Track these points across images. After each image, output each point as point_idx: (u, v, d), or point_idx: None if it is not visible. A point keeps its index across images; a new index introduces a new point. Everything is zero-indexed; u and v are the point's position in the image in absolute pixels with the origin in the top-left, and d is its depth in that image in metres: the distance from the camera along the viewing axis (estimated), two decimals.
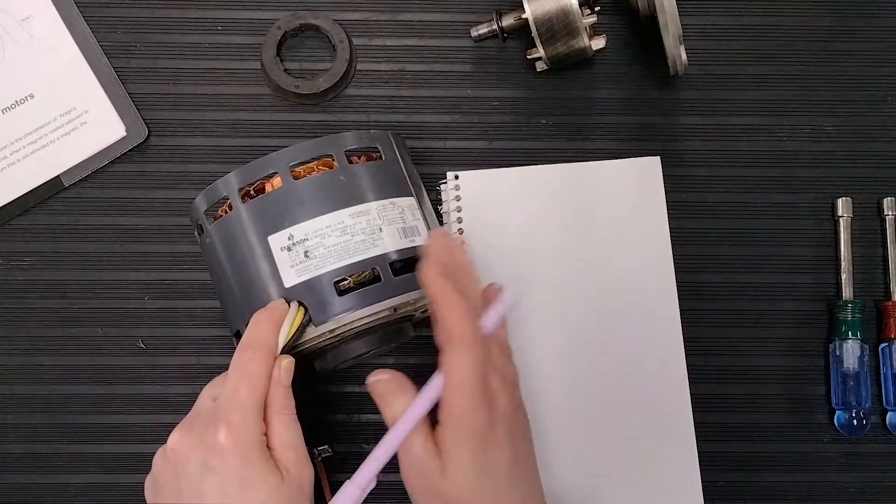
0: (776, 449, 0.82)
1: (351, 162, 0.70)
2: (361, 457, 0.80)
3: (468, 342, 0.63)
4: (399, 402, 0.65)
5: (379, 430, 0.81)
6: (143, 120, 0.85)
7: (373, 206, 0.69)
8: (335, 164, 0.69)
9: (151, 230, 0.84)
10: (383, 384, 0.66)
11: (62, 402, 0.82)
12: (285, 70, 0.85)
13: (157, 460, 0.66)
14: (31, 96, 0.85)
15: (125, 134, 0.85)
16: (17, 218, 0.84)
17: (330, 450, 0.78)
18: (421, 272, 0.65)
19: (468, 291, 0.65)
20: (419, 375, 0.81)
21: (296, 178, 0.69)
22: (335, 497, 0.63)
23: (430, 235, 0.68)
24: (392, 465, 0.80)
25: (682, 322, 0.82)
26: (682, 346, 0.81)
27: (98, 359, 0.83)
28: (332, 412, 0.82)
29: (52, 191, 0.84)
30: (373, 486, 0.65)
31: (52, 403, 0.82)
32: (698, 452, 0.79)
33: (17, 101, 0.85)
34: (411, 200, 0.72)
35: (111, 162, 0.85)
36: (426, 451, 0.63)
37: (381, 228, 0.68)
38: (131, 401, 0.82)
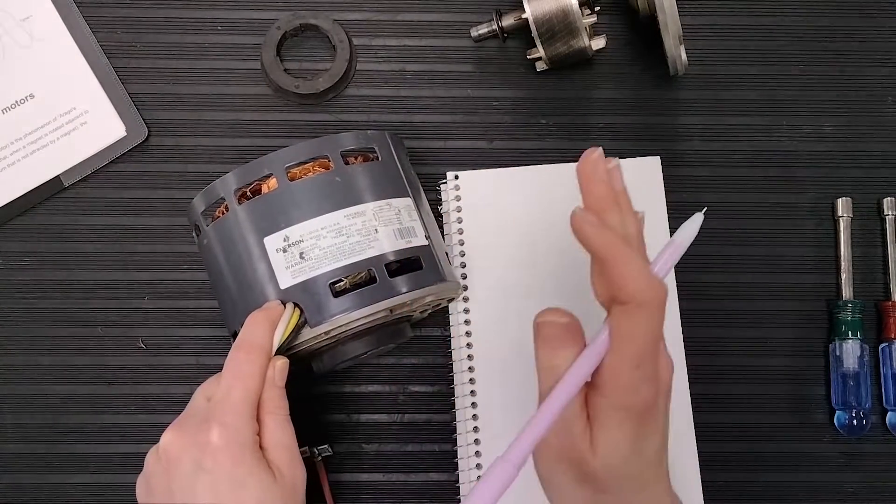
0: (776, 449, 0.82)
1: (348, 163, 0.70)
2: (361, 457, 0.80)
3: (648, 306, 0.54)
4: (565, 354, 0.57)
5: (378, 430, 0.81)
6: (143, 120, 0.85)
7: (369, 207, 0.69)
8: (331, 165, 0.69)
9: (151, 230, 0.84)
10: (553, 327, 0.58)
11: (62, 402, 0.82)
12: (285, 70, 0.85)
13: (150, 460, 0.66)
14: (31, 96, 0.85)
15: (125, 134, 0.85)
16: (17, 218, 0.84)
17: (330, 449, 0.78)
18: (577, 224, 0.57)
19: (633, 233, 0.58)
20: (419, 375, 0.81)
21: (292, 179, 0.69)
22: (484, 476, 0.53)
23: (583, 162, 0.59)
24: (393, 466, 0.80)
25: (682, 322, 0.81)
26: (683, 346, 0.81)
27: (98, 359, 0.83)
28: (331, 412, 0.82)
29: (52, 191, 0.84)
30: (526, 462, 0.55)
31: (52, 403, 0.82)
32: (698, 452, 0.79)
33: (17, 101, 0.85)
34: (408, 201, 0.72)
35: (111, 162, 0.85)
36: (578, 418, 0.57)
37: (377, 229, 0.68)
38: (131, 401, 0.82)
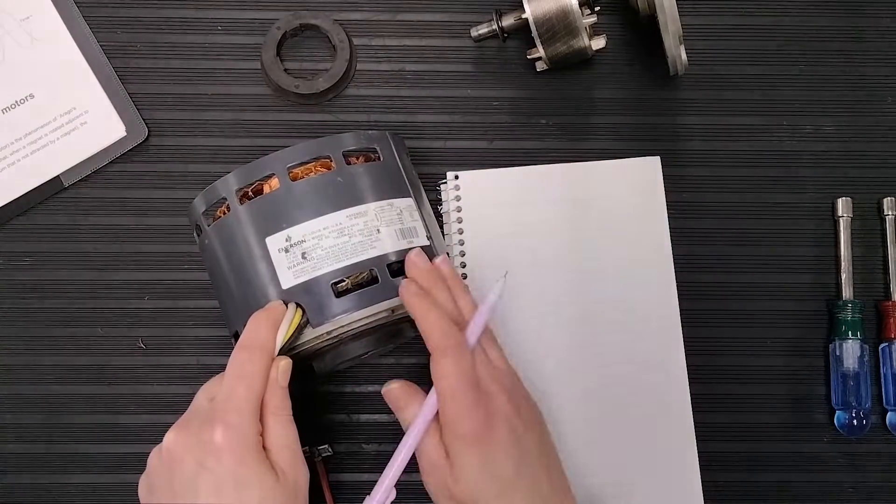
0: (776, 449, 0.82)
1: (349, 163, 0.70)
2: (361, 457, 0.81)
3: (449, 351, 0.65)
4: (411, 409, 0.68)
5: (378, 430, 0.82)
6: (143, 120, 0.85)
7: (371, 208, 0.69)
8: (333, 165, 0.69)
9: (151, 230, 0.84)
10: (395, 391, 0.70)
11: (62, 402, 0.82)
12: (285, 70, 0.85)
13: (152, 460, 0.66)
14: (31, 96, 0.85)
15: (125, 134, 0.85)
16: (17, 218, 0.84)
17: (330, 449, 0.78)
18: (400, 292, 0.68)
19: (447, 304, 0.69)
20: (419, 375, 0.81)
21: (294, 179, 0.69)
22: None
23: (406, 259, 0.69)
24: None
25: (682, 322, 0.82)
26: (682, 346, 0.81)
27: (98, 359, 0.83)
28: (332, 412, 0.82)
29: (52, 191, 0.84)
30: (392, 497, 0.67)
31: (52, 403, 0.82)
32: (698, 452, 0.79)
33: (17, 101, 0.85)
34: (409, 201, 0.72)
35: (111, 162, 0.85)
36: (438, 454, 0.66)
37: (378, 230, 0.68)
38: (131, 401, 0.82)
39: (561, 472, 0.70)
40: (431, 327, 0.66)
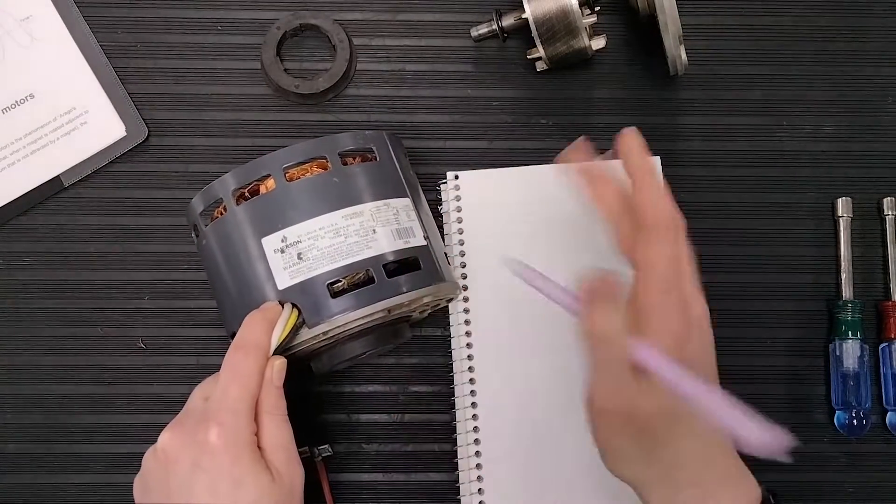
0: None
1: (346, 163, 0.70)
2: (361, 457, 0.81)
3: (666, 232, 0.60)
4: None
5: (378, 430, 0.82)
6: (143, 120, 0.85)
7: (367, 208, 0.69)
8: (329, 165, 0.69)
9: (151, 230, 0.84)
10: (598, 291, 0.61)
11: (62, 402, 0.82)
12: (285, 70, 0.85)
13: (147, 460, 0.66)
14: (31, 96, 0.85)
15: (125, 134, 0.85)
16: (17, 218, 0.84)
17: (330, 449, 0.78)
18: (626, 138, 0.64)
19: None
20: (419, 375, 0.81)
21: (290, 179, 0.69)
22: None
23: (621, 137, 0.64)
24: (393, 466, 0.81)
25: None
26: None
27: (98, 359, 0.83)
28: (331, 412, 0.82)
29: (52, 191, 0.84)
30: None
31: (52, 403, 0.82)
32: None
33: (17, 101, 0.85)
34: (406, 201, 0.72)
35: (111, 162, 0.85)
36: (626, 366, 0.58)
37: (375, 230, 0.68)
38: (131, 401, 0.82)
39: None
40: (652, 197, 0.60)
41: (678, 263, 0.60)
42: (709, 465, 0.61)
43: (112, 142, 0.85)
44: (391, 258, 0.69)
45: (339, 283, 0.68)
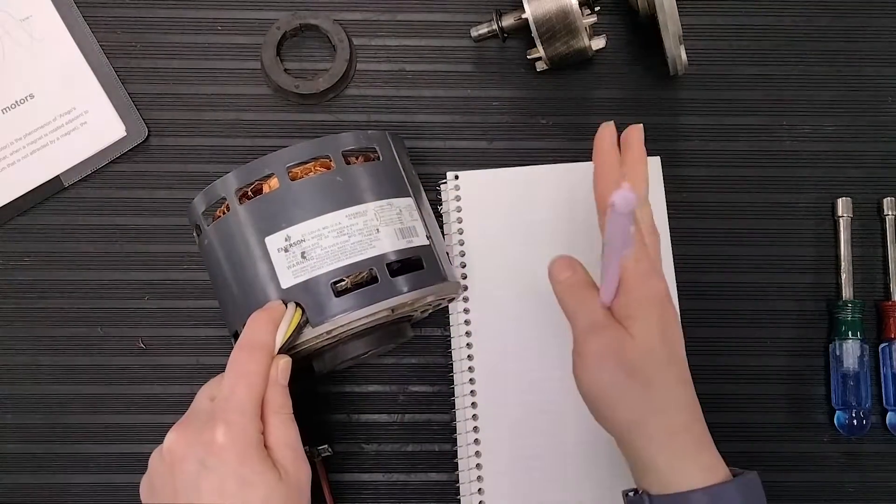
0: (776, 449, 0.82)
1: (349, 162, 0.70)
2: (361, 457, 0.81)
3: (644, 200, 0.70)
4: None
5: (378, 430, 0.82)
6: (143, 120, 0.85)
7: (370, 207, 0.69)
8: (333, 164, 0.69)
9: (151, 230, 0.84)
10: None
11: (62, 402, 0.82)
12: (285, 70, 0.85)
13: (154, 460, 0.65)
14: (31, 96, 0.85)
15: (125, 134, 0.85)
16: (17, 218, 0.84)
17: (330, 449, 0.78)
18: (602, 130, 0.71)
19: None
20: (419, 375, 0.81)
21: (293, 179, 0.69)
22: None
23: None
24: (393, 466, 0.81)
25: (682, 322, 0.81)
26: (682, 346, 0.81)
27: (98, 359, 0.83)
28: (331, 412, 0.82)
29: (52, 191, 0.84)
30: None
31: (52, 403, 0.82)
32: None
33: (17, 101, 0.85)
34: (409, 201, 0.72)
35: (111, 162, 0.85)
36: (607, 316, 0.65)
37: (378, 229, 0.68)
38: (131, 401, 0.82)
39: None
40: (605, 183, 0.69)
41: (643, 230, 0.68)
42: (698, 417, 0.66)
43: (112, 142, 0.84)
44: (394, 258, 0.69)
45: (343, 283, 0.67)
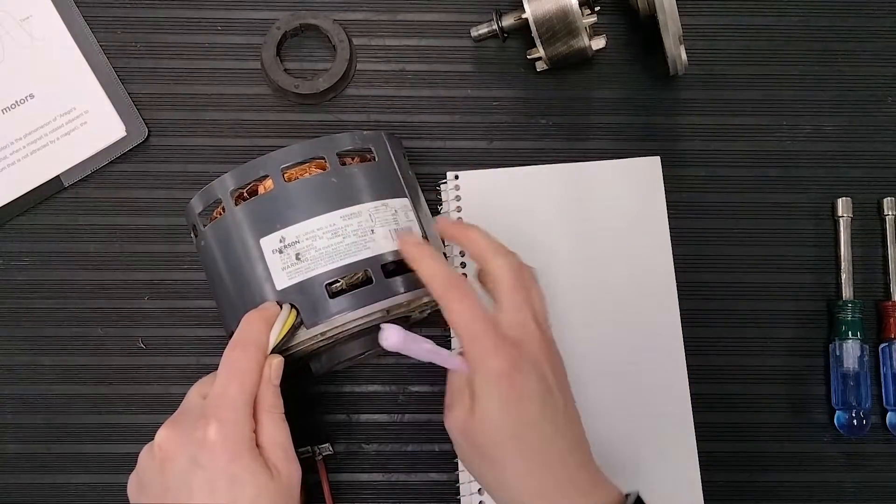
0: (776, 449, 0.82)
1: (344, 163, 0.70)
2: (361, 457, 0.81)
3: (456, 293, 0.65)
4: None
5: (378, 430, 0.82)
6: (143, 120, 0.85)
7: (365, 208, 0.69)
8: (328, 165, 0.69)
9: (151, 230, 0.84)
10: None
11: (62, 402, 0.82)
12: (285, 70, 0.85)
13: (143, 458, 0.65)
14: (31, 96, 0.85)
15: (125, 134, 0.85)
16: (17, 218, 0.84)
17: (330, 448, 0.78)
18: (399, 244, 0.68)
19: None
20: (419, 375, 0.81)
21: (289, 180, 0.69)
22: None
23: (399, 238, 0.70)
24: (393, 466, 0.81)
25: (682, 322, 0.81)
26: (682, 346, 0.81)
27: (98, 359, 0.83)
28: (331, 412, 0.82)
29: (52, 191, 0.84)
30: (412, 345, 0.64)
31: (52, 403, 0.82)
32: (698, 452, 0.79)
33: (17, 101, 0.85)
34: (405, 201, 0.72)
35: (111, 162, 0.85)
36: (462, 391, 0.65)
37: (373, 230, 0.68)
38: (131, 401, 0.82)
39: (584, 437, 0.68)
40: (433, 271, 0.66)
41: (481, 312, 0.65)
42: (542, 481, 0.64)
43: (112, 142, 0.85)
44: (389, 258, 0.69)
45: (338, 284, 0.67)
